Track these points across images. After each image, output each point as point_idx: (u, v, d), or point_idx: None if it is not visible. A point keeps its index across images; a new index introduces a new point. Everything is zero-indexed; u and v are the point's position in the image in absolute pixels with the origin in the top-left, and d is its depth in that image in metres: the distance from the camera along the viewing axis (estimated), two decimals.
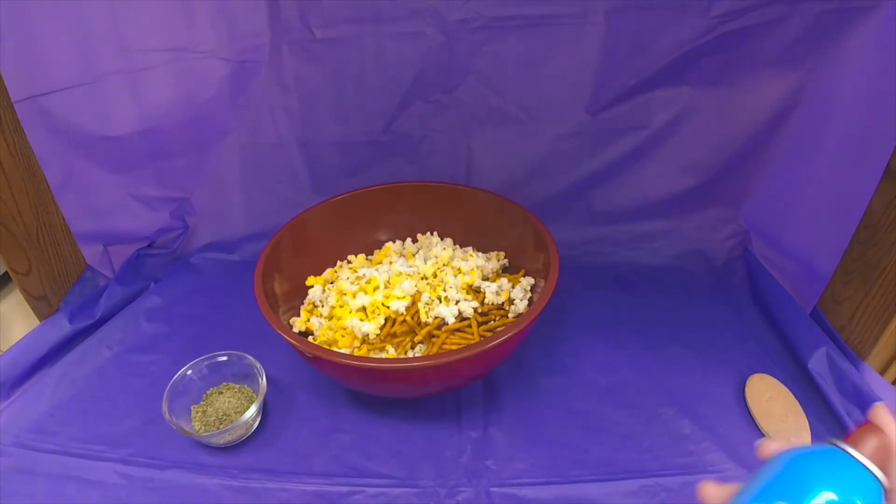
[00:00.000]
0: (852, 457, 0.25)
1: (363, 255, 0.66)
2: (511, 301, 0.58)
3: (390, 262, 0.61)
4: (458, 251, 0.65)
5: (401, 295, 0.55)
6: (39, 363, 0.62)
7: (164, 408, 0.51)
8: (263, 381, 0.53)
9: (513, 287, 0.59)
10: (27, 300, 0.67)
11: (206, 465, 0.51)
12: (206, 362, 0.55)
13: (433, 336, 0.54)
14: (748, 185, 0.71)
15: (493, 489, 0.48)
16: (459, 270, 0.59)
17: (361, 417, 0.55)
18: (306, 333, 0.58)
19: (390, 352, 0.54)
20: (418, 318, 0.54)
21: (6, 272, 0.66)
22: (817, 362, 0.57)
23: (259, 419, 0.54)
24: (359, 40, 0.64)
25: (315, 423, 0.54)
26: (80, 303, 0.68)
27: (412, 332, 0.55)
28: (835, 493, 0.24)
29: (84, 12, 0.60)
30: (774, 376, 0.57)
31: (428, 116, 0.69)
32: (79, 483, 0.49)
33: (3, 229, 0.61)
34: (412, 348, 0.55)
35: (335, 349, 0.54)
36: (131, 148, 0.69)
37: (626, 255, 0.75)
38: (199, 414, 0.53)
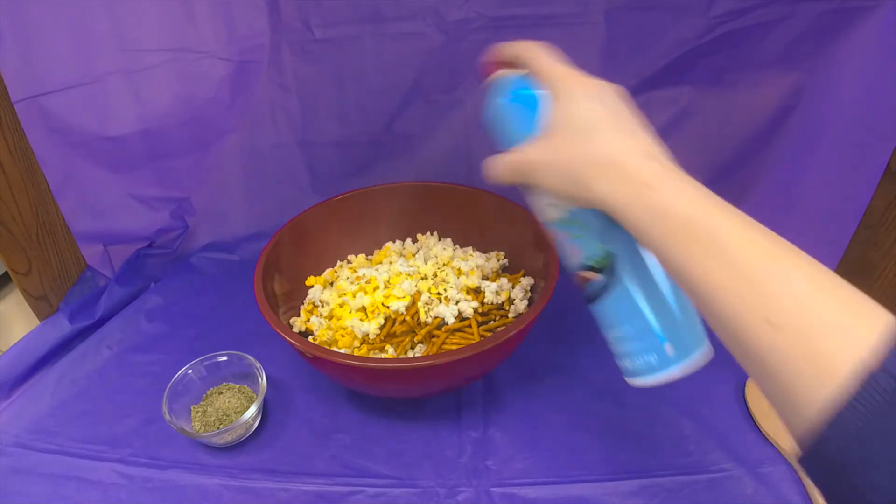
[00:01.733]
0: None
1: (363, 255, 0.66)
2: (511, 301, 0.58)
3: (390, 262, 0.61)
4: (458, 251, 0.65)
5: (401, 295, 0.55)
6: (39, 363, 0.62)
7: (164, 408, 0.51)
8: (263, 381, 0.53)
9: (513, 287, 0.59)
10: (27, 300, 0.67)
11: (206, 465, 0.51)
12: (206, 362, 0.55)
13: (433, 336, 0.54)
14: (748, 185, 0.71)
15: (493, 489, 0.48)
16: (460, 271, 0.59)
17: (361, 417, 0.55)
18: (306, 333, 0.58)
19: (390, 352, 0.54)
20: (418, 318, 0.54)
21: (6, 272, 0.66)
22: None
23: (259, 419, 0.54)
24: (359, 40, 0.64)
25: (315, 423, 0.54)
26: (80, 303, 0.68)
27: (412, 332, 0.55)
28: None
29: (84, 12, 0.60)
30: None
31: (428, 116, 0.69)
32: (79, 483, 0.49)
33: (3, 229, 0.61)
34: (412, 348, 0.55)
35: (335, 349, 0.54)
36: (131, 148, 0.69)
37: None
38: (199, 414, 0.53)
